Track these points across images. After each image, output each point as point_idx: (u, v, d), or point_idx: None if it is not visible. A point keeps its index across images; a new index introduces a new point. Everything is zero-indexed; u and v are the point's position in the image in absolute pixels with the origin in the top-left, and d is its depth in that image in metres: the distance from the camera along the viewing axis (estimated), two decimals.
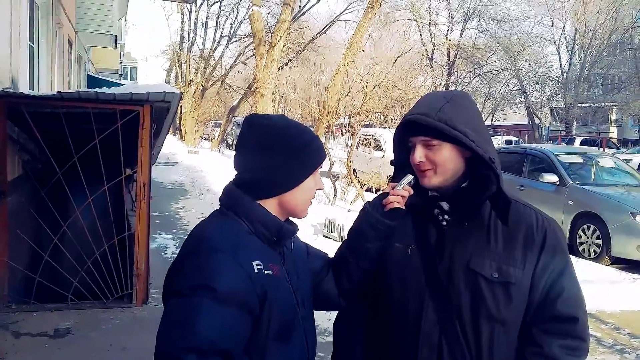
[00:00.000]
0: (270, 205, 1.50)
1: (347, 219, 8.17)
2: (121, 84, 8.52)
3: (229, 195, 1.52)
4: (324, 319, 5.13)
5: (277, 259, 1.50)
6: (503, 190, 1.56)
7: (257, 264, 1.40)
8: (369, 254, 1.65)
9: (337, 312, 1.82)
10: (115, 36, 15.26)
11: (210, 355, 1.28)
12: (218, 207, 1.55)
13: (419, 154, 1.58)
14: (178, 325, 1.31)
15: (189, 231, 1.53)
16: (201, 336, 1.29)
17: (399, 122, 1.65)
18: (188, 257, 1.41)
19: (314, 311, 1.66)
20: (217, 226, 1.47)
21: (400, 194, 1.61)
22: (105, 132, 5.17)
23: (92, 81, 16.89)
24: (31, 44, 8.64)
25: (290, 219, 1.57)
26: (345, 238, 1.72)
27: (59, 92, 5.03)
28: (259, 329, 1.39)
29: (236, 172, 1.53)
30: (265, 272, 1.41)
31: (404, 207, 1.62)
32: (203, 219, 1.56)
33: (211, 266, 1.35)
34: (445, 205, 1.62)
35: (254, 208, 1.48)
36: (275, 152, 1.46)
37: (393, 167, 1.74)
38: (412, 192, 1.62)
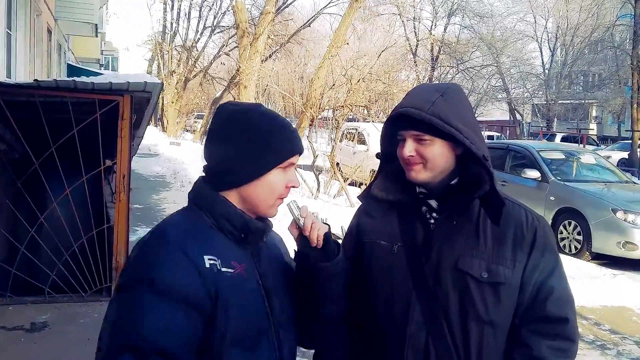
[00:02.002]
0: (233, 198, 1.37)
1: (330, 212, 8.13)
2: (101, 74, 8.34)
3: (195, 188, 1.42)
4: None
5: (245, 258, 1.36)
6: (497, 190, 1.50)
7: (209, 259, 1.28)
8: (332, 294, 1.48)
9: None
10: (96, 25, 15.02)
11: (150, 354, 1.17)
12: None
13: (409, 148, 1.51)
14: (115, 322, 1.22)
15: None
16: (138, 334, 1.17)
17: (389, 114, 1.59)
18: (135, 250, 1.31)
19: None
20: (176, 220, 1.37)
21: (312, 227, 1.41)
22: (84, 122, 5.05)
23: (72, 70, 16.64)
24: (8, 31, 8.45)
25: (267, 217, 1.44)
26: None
27: (35, 80, 4.90)
28: (212, 332, 1.26)
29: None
30: (223, 269, 1.29)
31: (327, 230, 1.45)
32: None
33: (154, 258, 1.25)
34: (433, 203, 1.57)
35: (217, 202, 1.36)
36: (235, 138, 1.35)
37: (379, 160, 1.68)
38: (311, 214, 1.44)
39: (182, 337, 1.21)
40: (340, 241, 1.48)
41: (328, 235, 1.44)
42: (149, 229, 1.40)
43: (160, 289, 1.20)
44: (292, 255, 1.53)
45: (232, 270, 1.31)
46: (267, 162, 1.37)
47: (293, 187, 1.43)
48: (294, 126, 1.54)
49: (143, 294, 1.20)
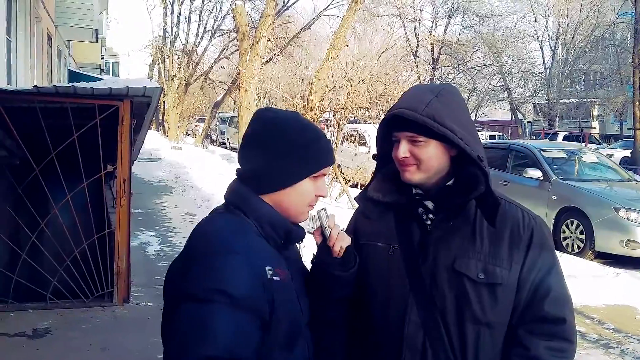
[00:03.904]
0: (267, 202, 1.43)
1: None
2: (101, 79, 8.36)
3: (237, 192, 1.44)
4: None
5: (284, 263, 1.41)
6: (492, 191, 1.50)
7: (269, 269, 1.33)
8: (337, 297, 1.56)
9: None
10: (96, 30, 15.05)
11: None
12: (210, 204, 1.48)
13: (403, 149, 1.51)
14: (194, 333, 1.22)
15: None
16: (220, 344, 1.20)
17: (385, 115, 1.58)
18: (200, 258, 1.30)
19: None
20: (228, 226, 1.38)
21: (338, 238, 1.48)
22: (84, 128, 5.05)
23: (73, 76, 16.67)
24: (9, 38, 8.47)
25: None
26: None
27: (35, 86, 4.91)
28: (267, 336, 1.31)
29: (239, 167, 1.47)
30: (275, 278, 1.34)
31: (350, 243, 1.51)
32: (205, 216, 1.48)
33: (227, 269, 1.26)
34: (429, 204, 1.57)
35: (263, 208, 1.41)
36: (274, 146, 1.40)
37: (375, 162, 1.68)
38: (337, 226, 1.51)
39: (254, 346, 1.26)
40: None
41: (350, 248, 1.51)
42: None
43: (234, 299, 1.23)
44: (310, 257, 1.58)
45: (279, 278, 1.35)
46: (303, 171, 1.42)
47: (322, 196, 1.49)
48: (328, 138, 1.57)
49: (219, 304, 1.22)
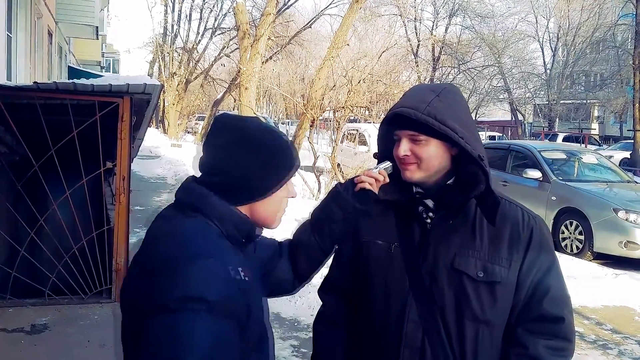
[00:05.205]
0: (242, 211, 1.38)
1: None
2: (101, 76, 8.35)
3: (194, 192, 1.36)
4: (308, 315, 5.10)
5: (246, 263, 1.35)
6: (492, 190, 1.50)
7: (240, 270, 1.27)
8: (332, 236, 1.60)
9: (318, 310, 1.76)
10: (97, 27, 15.03)
11: None
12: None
13: (404, 148, 1.52)
14: (171, 345, 1.13)
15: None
16: (200, 353, 1.13)
17: (386, 114, 1.59)
18: (168, 265, 1.21)
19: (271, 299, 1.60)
20: (193, 228, 1.30)
21: (374, 177, 1.57)
22: (84, 124, 5.05)
23: (73, 72, 16.66)
24: (9, 34, 8.46)
25: None
26: (310, 216, 1.65)
27: (35, 82, 4.90)
28: (243, 340, 1.25)
29: (202, 173, 1.39)
30: (245, 278, 1.28)
31: (376, 191, 1.57)
32: (156, 221, 1.39)
33: (201, 275, 1.18)
34: (430, 202, 1.57)
35: (223, 207, 1.34)
36: (252, 155, 1.34)
37: (376, 160, 1.68)
38: (387, 178, 1.58)
39: (235, 352, 1.21)
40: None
41: (370, 195, 1.58)
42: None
43: (212, 305, 1.16)
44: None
45: (247, 278, 1.30)
46: (279, 179, 1.39)
47: (292, 197, 1.46)
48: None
49: (196, 312, 1.15)
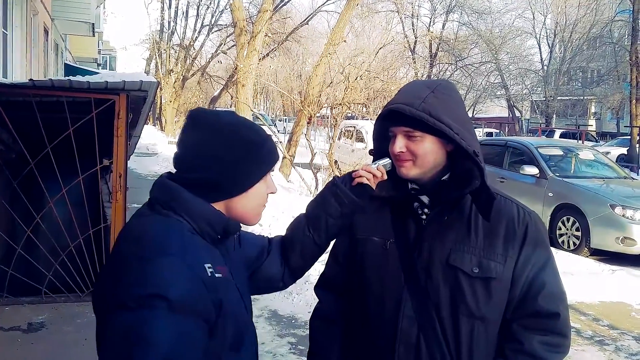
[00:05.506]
0: (218, 207, 1.35)
1: None
2: (98, 73, 8.32)
3: (167, 189, 1.33)
4: (305, 312, 5.10)
5: (222, 259, 1.33)
6: (487, 186, 1.50)
7: (208, 267, 1.24)
8: (328, 230, 1.58)
9: (314, 306, 1.76)
10: (93, 24, 14.99)
11: None
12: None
13: (399, 144, 1.51)
14: (130, 343, 1.11)
15: None
16: (160, 351, 1.10)
17: (381, 111, 1.58)
18: (129, 263, 1.20)
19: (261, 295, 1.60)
20: (159, 226, 1.28)
21: (372, 172, 1.57)
22: (80, 122, 5.03)
23: (70, 70, 16.63)
24: (5, 31, 8.43)
25: None
26: (306, 210, 1.65)
27: (31, 80, 4.88)
28: (214, 339, 1.23)
29: (176, 170, 1.36)
30: (216, 275, 1.26)
31: (373, 187, 1.57)
32: (130, 220, 1.36)
33: (160, 272, 1.16)
34: (425, 199, 1.57)
35: (196, 203, 1.31)
36: (226, 152, 1.31)
37: (372, 157, 1.68)
38: (385, 175, 1.57)
39: (199, 351, 1.18)
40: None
41: (367, 189, 1.58)
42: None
43: (172, 303, 1.14)
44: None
45: (221, 275, 1.28)
46: (256, 175, 1.37)
47: (271, 192, 1.44)
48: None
49: (155, 310, 1.13)
